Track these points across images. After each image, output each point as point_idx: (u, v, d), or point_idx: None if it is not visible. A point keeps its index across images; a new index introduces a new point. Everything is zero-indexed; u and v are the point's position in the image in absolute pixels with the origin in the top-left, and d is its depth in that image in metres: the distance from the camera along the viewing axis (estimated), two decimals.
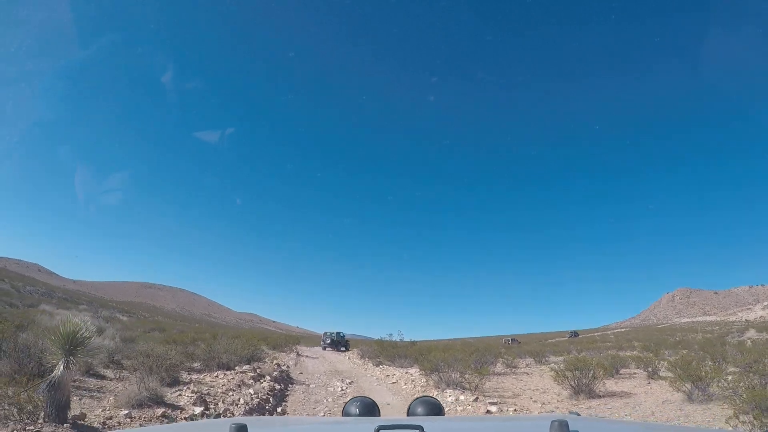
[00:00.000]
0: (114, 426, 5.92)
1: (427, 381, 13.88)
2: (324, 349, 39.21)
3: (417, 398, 2.34)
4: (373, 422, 1.45)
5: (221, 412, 7.63)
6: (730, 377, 11.19)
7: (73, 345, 5.54)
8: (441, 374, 13.06)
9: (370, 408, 2.25)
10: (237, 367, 13.42)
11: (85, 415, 6.05)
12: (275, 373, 14.60)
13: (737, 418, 7.71)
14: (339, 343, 40.13)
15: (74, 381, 9.74)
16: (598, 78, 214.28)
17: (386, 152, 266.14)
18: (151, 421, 6.36)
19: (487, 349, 22.54)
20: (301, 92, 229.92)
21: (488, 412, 9.69)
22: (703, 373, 11.90)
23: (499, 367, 20.50)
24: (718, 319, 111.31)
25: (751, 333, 45.45)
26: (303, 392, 13.28)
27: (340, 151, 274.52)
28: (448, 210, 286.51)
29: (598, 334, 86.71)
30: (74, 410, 6.66)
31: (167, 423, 6.53)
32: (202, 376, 11.81)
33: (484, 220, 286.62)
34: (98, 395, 8.54)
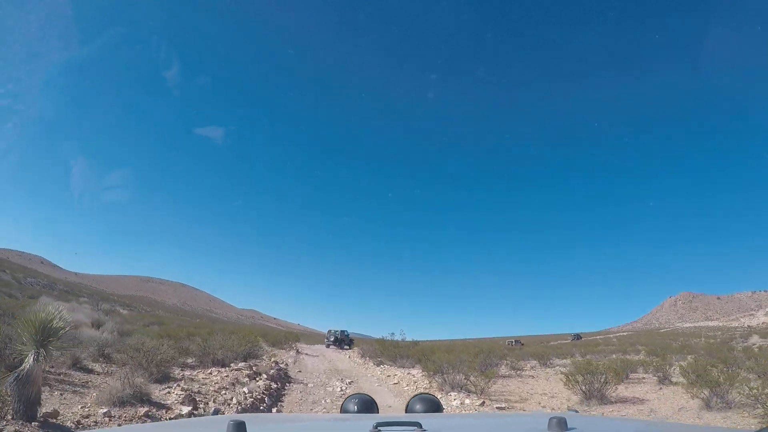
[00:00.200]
0: (89, 426, 5.37)
1: (430, 383, 13.32)
2: (328, 347, 38.80)
3: (416, 395, 2.35)
4: (372, 419, 1.46)
5: (211, 412, 7.09)
6: (753, 384, 10.58)
7: (44, 336, 4.99)
8: (445, 376, 12.48)
9: (368, 405, 2.24)
10: (233, 364, 12.86)
11: (58, 413, 5.50)
12: (272, 371, 14.05)
13: None
14: (343, 341, 39.76)
15: (59, 374, 9.23)
16: (598, 78, 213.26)
17: (387, 151, 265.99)
18: (132, 421, 5.81)
19: (492, 351, 21.95)
20: (303, 90, 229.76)
21: None
22: (722, 379, 11.31)
23: (504, 369, 19.92)
24: (721, 324, 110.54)
25: (755, 339, 44.76)
26: (301, 392, 12.73)
27: (341, 149, 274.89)
28: (448, 209, 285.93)
29: (600, 337, 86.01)
30: (51, 406, 6.14)
31: (150, 422, 5.99)
32: (195, 373, 11.27)
33: (484, 219, 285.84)
34: (82, 390, 8.00)
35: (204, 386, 9.38)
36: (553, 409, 11.25)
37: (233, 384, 10.10)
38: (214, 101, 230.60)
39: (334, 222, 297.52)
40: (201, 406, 7.48)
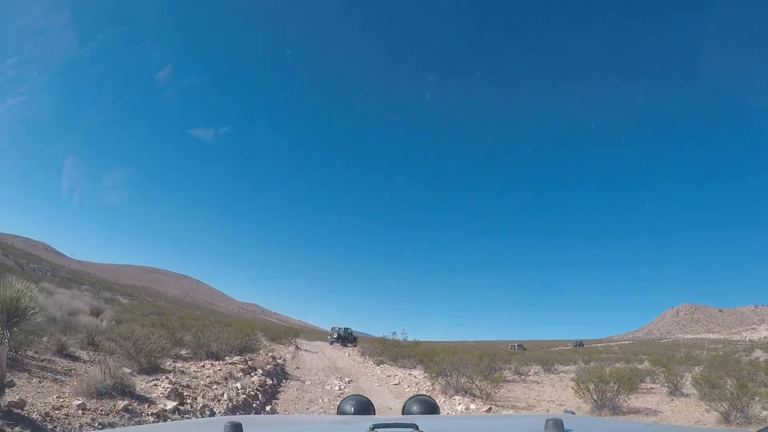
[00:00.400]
0: (58, 419, 4.83)
1: (432, 385, 12.74)
2: (332, 344, 38.44)
3: (412, 397, 2.34)
4: (369, 421, 1.46)
5: (198, 408, 6.52)
6: None
7: (9, 316, 4.44)
8: (449, 379, 11.90)
9: (365, 407, 2.23)
10: (227, 358, 12.32)
11: (25, 402, 4.95)
12: (269, 366, 13.49)
13: None
14: (347, 338, 39.43)
15: (42, 361, 8.72)
16: (599, 78, 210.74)
17: (387, 151, 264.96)
18: (108, 414, 5.27)
19: (496, 354, 21.33)
20: (303, 90, 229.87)
21: None
22: (739, 393, 10.70)
23: (507, 373, 19.30)
24: (722, 337, 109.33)
25: (758, 353, 44.01)
26: (297, 389, 12.18)
27: (341, 147, 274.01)
28: (447, 209, 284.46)
29: (601, 345, 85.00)
30: (24, 394, 5.61)
31: (128, 417, 5.45)
32: (187, 365, 10.73)
33: (483, 221, 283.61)
34: (63, 379, 7.46)
35: (195, 380, 8.83)
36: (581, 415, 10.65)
37: (226, 378, 9.54)
38: (218, 96, 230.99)
39: (335, 220, 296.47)
40: (188, 401, 6.92)
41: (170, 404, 6.23)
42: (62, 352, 9.63)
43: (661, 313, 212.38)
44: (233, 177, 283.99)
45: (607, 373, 11.83)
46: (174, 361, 11.12)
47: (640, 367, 24.44)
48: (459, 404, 10.00)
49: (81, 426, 4.86)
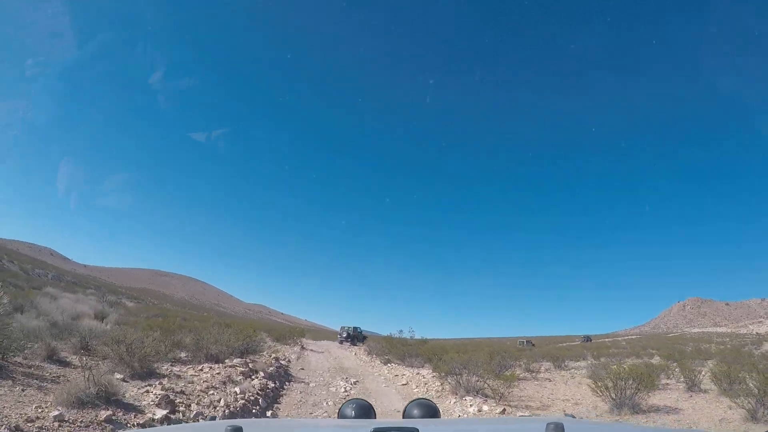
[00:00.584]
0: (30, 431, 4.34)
1: (442, 385, 12.21)
2: (341, 343, 38.11)
3: (413, 400, 2.34)
4: (370, 424, 1.45)
5: (191, 417, 6.02)
6: None
7: None
8: (459, 378, 11.37)
9: (366, 410, 2.23)
10: (227, 360, 11.83)
11: None
12: (271, 368, 13.01)
13: None
14: (356, 338, 39.08)
15: (30, 367, 8.25)
16: (599, 78, 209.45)
17: (388, 150, 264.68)
18: (88, 427, 4.78)
19: (506, 352, 20.78)
20: (304, 90, 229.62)
21: None
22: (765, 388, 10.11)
23: (518, 371, 18.75)
24: (729, 330, 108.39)
25: (767, 347, 43.26)
26: (301, 392, 11.68)
27: (342, 147, 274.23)
28: (449, 209, 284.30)
29: (609, 339, 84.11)
30: (2, 404, 5.15)
31: (110, 430, 4.96)
32: (185, 369, 10.25)
33: (488, 220, 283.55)
34: (49, 386, 6.99)
35: (190, 384, 8.34)
36: (581, 418, 10.11)
37: (224, 383, 9.05)
38: (217, 101, 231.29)
39: (339, 220, 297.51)
40: (181, 408, 6.42)
41: (160, 413, 5.73)
42: (53, 357, 9.18)
43: (667, 307, 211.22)
44: (237, 178, 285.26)
45: (626, 369, 11.25)
46: (171, 365, 10.65)
47: (651, 361, 23.83)
48: (471, 405, 9.46)
49: None
